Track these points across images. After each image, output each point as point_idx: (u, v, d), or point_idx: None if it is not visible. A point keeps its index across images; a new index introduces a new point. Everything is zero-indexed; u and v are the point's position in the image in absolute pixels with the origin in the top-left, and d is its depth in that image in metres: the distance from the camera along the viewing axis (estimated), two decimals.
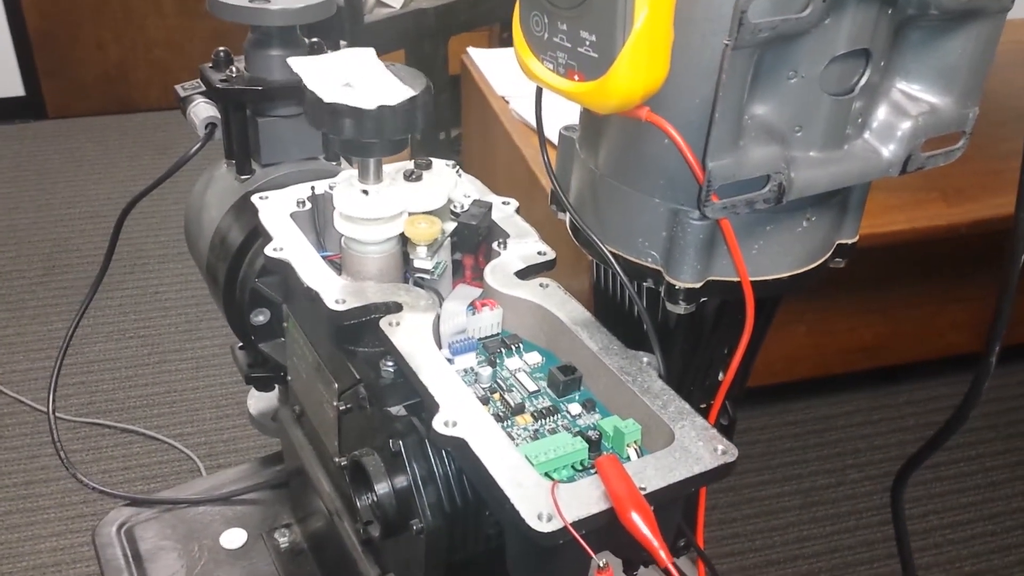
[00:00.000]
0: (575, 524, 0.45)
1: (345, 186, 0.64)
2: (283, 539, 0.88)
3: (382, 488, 0.61)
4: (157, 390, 1.98)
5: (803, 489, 1.74)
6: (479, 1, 2.09)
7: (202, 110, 0.88)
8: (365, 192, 0.61)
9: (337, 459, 0.72)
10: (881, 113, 0.51)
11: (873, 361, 1.85)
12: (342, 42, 0.91)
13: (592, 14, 0.45)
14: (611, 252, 0.55)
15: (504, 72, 1.75)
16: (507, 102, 1.66)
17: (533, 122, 1.64)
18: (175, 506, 0.90)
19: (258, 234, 0.81)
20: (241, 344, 0.92)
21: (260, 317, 0.83)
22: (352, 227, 0.62)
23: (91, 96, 3.06)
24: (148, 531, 0.87)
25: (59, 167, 2.79)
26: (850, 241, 0.57)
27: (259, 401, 1.00)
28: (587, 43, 0.46)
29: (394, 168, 0.67)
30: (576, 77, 0.47)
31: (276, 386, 0.97)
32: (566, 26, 0.47)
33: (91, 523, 1.67)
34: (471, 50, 1.85)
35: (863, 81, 0.49)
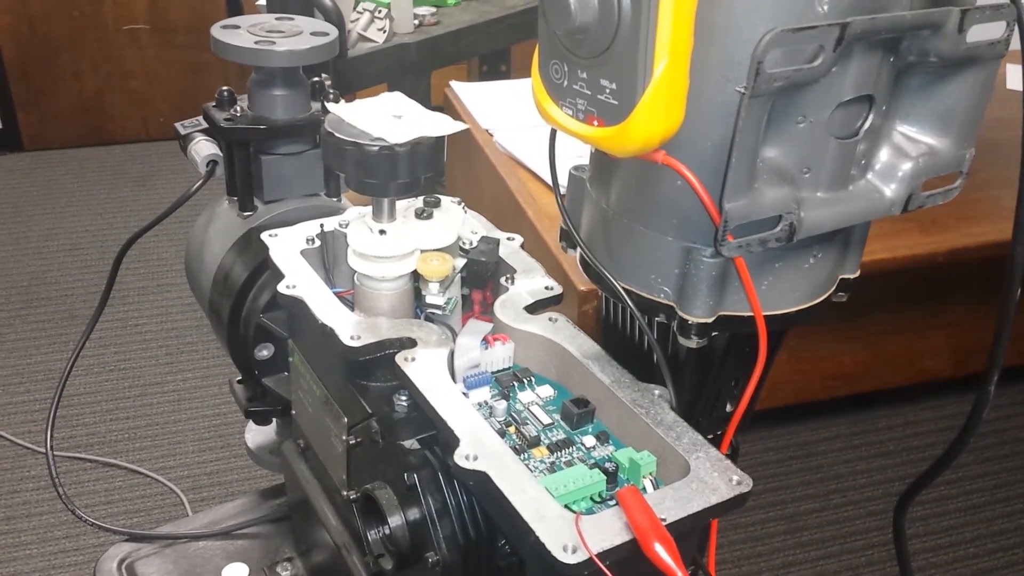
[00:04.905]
0: (600, 555, 0.47)
1: (359, 224, 0.65)
2: (285, 573, 0.88)
3: (395, 521, 0.62)
4: (139, 423, 1.96)
5: (787, 515, 1.76)
6: (460, 36, 2.12)
7: (203, 148, 0.89)
8: (383, 232, 0.62)
9: (346, 492, 0.72)
10: (883, 155, 0.53)
11: (853, 387, 1.88)
12: (324, 75, 0.93)
13: (612, 63, 0.47)
14: (624, 288, 0.57)
15: (487, 105, 1.77)
16: (491, 135, 1.68)
17: (517, 155, 1.64)
18: (176, 541, 0.90)
19: (262, 270, 0.82)
20: (240, 378, 0.92)
21: (264, 352, 0.84)
22: (367, 265, 0.63)
23: (68, 128, 3.05)
24: (150, 567, 0.86)
25: (36, 200, 2.77)
26: (852, 276, 0.60)
27: (256, 435, 1.00)
28: (607, 91, 0.48)
29: (404, 206, 0.68)
30: (596, 123, 0.49)
31: (274, 420, 0.97)
32: (586, 74, 0.49)
33: (74, 559, 1.65)
34: (454, 83, 1.87)
35: (867, 125, 0.51)
